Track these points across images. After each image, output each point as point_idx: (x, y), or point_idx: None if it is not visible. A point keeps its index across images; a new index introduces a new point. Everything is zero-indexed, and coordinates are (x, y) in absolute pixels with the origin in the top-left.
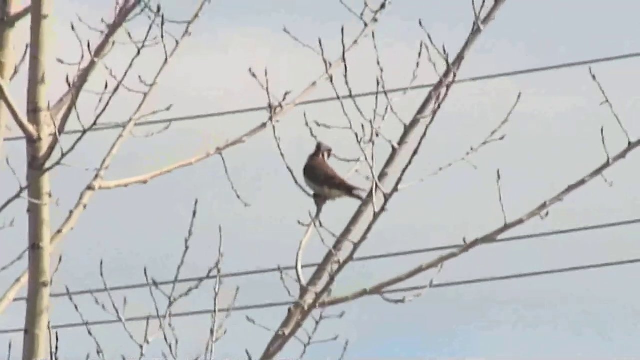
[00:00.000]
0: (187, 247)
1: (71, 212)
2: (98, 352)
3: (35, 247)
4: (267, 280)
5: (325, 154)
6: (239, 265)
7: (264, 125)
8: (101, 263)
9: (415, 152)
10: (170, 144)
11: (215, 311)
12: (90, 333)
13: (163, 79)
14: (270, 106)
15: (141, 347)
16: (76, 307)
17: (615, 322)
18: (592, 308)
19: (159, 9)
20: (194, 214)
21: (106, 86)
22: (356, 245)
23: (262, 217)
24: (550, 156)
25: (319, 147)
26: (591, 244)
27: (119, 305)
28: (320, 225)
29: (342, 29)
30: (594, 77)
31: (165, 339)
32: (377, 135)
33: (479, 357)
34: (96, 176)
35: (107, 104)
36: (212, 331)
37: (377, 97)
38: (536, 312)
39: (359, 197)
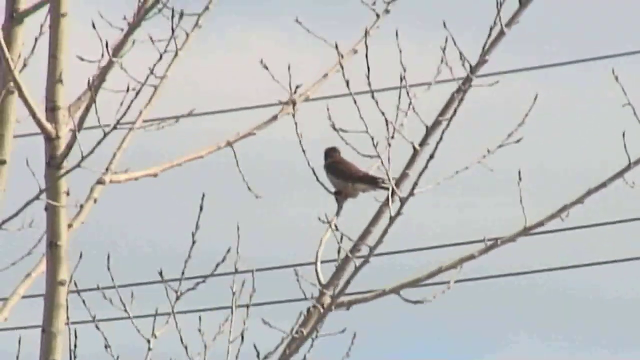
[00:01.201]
0: (194, 242)
1: (81, 207)
2: (106, 347)
3: (52, 245)
4: (282, 277)
5: (337, 153)
6: (252, 262)
7: (274, 117)
8: (108, 257)
9: (431, 157)
10: (181, 141)
11: (232, 309)
12: (98, 328)
13: (176, 75)
14: (285, 102)
15: (148, 341)
16: (84, 302)
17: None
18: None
19: (180, 13)
20: (201, 208)
21: (128, 89)
22: (372, 249)
23: (277, 214)
24: (571, 156)
25: (331, 150)
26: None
27: (126, 299)
28: (337, 228)
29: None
30: (616, 78)
31: (181, 338)
32: (399, 133)
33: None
34: (107, 170)
35: (129, 106)
36: (219, 328)
37: (400, 95)
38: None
39: (383, 188)
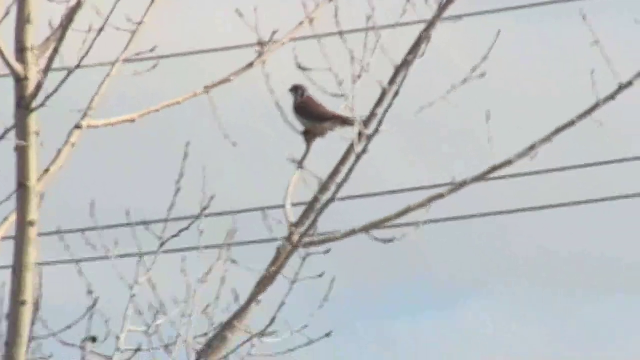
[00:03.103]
0: (178, 189)
1: (59, 151)
2: (89, 292)
3: (21, 187)
4: (257, 220)
5: (304, 92)
6: (227, 205)
7: (251, 64)
8: (92, 204)
9: (396, 94)
10: (159, 84)
11: (198, 251)
12: (81, 272)
13: (151, 18)
14: (260, 43)
15: (131, 288)
16: (67, 247)
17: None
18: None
19: None
20: (186, 155)
21: (90, 27)
22: (338, 187)
23: (250, 157)
24: (539, 97)
25: (297, 88)
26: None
27: (109, 245)
28: (302, 167)
29: None
30: (584, 17)
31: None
32: (366, 72)
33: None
34: (84, 115)
35: (92, 44)
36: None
37: (366, 35)
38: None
39: (352, 124)
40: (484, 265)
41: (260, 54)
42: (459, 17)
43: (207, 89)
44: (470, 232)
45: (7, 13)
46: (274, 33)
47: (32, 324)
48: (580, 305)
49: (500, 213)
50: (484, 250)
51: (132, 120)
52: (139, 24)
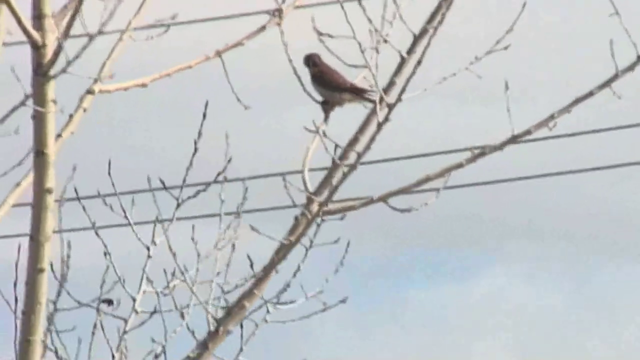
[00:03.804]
0: (196, 150)
1: (71, 116)
2: (105, 255)
3: (39, 154)
4: (274, 188)
5: (320, 60)
6: (244, 172)
7: (263, 27)
8: (109, 163)
9: (419, 63)
10: (172, 51)
11: (220, 218)
12: (97, 234)
13: None
14: (274, 11)
15: (148, 249)
16: (84, 208)
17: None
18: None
19: None
20: (204, 115)
21: None
22: (360, 155)
23: (266, 124)
24: (559, 67)
25: (309, 57)
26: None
27: (126, 207)
28: (325, 135)
29: None
30: None
31: (169, 247)
32: (385, 42)
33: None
34: (96, 80)
35: (113, 11)
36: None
37: (385, 3)
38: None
39: (370, 100)
40: (501, 232)
41: (273, 17)
42: None
43: (219, 52)
44: (489, 198)
45: None
46: None
47: (58, 294)
48: (597, 270)
49: (519, 179)
50: (500, 217)
51: (144, 85)
52: None
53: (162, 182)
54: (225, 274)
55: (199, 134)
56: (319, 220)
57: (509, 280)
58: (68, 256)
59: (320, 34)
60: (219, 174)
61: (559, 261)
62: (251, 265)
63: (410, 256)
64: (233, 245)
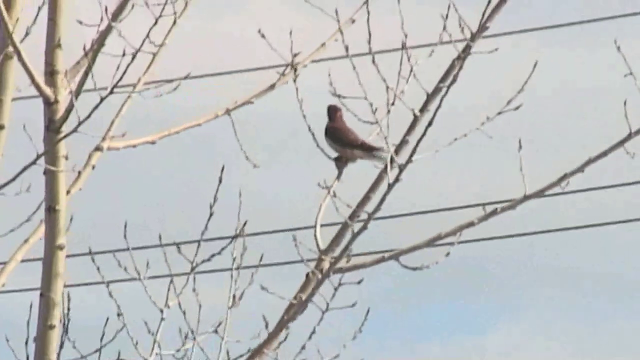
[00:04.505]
0: (211, 214)
1: (79, 173)
2: (118, 315)
3: (51, 210)
4: (284, 245)
5: (339, 115)
6: (254, 228)
7: (272, 86)
8: (125, 225)
9: (430, 124)
10: (182, 106)
11: (232, 274)
12: (111, 295)
13: (174, 41)
14: (292, 64)
15: (161, 311)
16: (98, 269)
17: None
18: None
19: None
20: (220, 180)
21: (124, 53)
22: (370, 215)
23: (276, 182)
24: (571, 127)
25: (333, 109)
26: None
27: (140, 268)
28: (334, 195)
29: None
30: (618, 48)
31: (179, 307)
32: (399, 99)
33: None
34: (104, 137)
35: (125, 71)
36: (233, 296)
37: (401, 61)
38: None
39: (381, 158)
40: (515, 288)
41: (282, 75)
42: (495, 46)
43: (229, 110)
44: (501, 253)
45: (27, 34)
46: (295, 55)
47: (61, 347)
48: (612, 326)
49: (528, 234)
50: (515, 271)
51: (153, 142)
52: (160, 46)
53: (178, 246)
54: (242, 332)
55: (215, 198)
56: (335, 281)
57: (523, 337)
58: (68, 309)
59: (331, 93)
60: (234, 237)
61: (574, 313)
62: (266, 326)
63: (424, 310)
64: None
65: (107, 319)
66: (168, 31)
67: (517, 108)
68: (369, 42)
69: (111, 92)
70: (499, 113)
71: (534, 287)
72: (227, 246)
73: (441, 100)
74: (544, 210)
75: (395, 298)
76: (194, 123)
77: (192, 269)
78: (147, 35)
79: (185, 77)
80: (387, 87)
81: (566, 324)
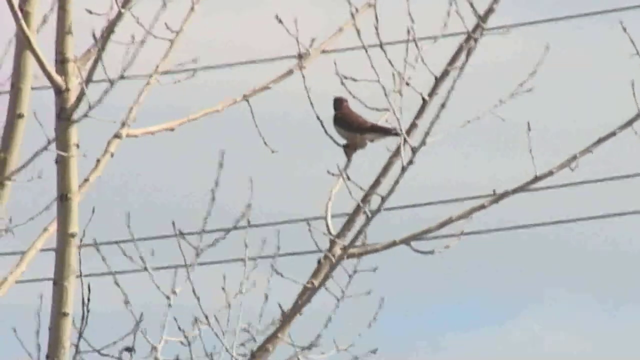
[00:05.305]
0: (213, 199)
1: (98, 161)
2: (125, 303)
3: (63, 198)
4: (296, 231)
5: (345, 105)
6: (267, 215)
7: (290, 72)
8: (128, 215)
9: (443, 106)
10: (198, 95)
11: (245, 263)
12: (117, 284)
13: (191, 29)
14: (300, 55)
15: (168, 298)
16: (103, 259)
17: None
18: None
19: None
20: (220, 165)
21: (133, 38)
22: (384, 199)
23: (290, 167)
24: (582, 107)
25: (339, 101)
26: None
27: (145, 256)
28: (348, 178)
29: None
30: (624, 29)
31: (194, 291)
32: (408, 85)
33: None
34: (123, 124)
35: (135, 55)
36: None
37: (407, 47)
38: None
39: (394, 134)
40: (536, 277)
41: (300, 61)
42: (505, 29)
43: (246, 96)
44: (516, 243)
45: (44, 22)
46: (313, 40)
47: (79, 338)
48: (633, 315)
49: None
50: (535, 261)
51: (172, 129)
52: (178, 32)
53: (181, 232)
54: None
55: (216, 183)
56: (349, 268)
57: (546, 327)
58: (88, 299)
59: (343, 78)
60: (237, 222)
61: (594, 306)
62: (282, 313)
63: (445, 300)
64: (266, 296)
65: (129, 304)
66: (185, 18)
67: (529, 90)
68: (377, 29)
69: (122, 77)
70: (512, 95)
71: (557, 277)
72: (229, 231)
73: (454, 82)
74: (572, 198)
75: (414, 288)
76: (212, 109)
77: (197, 254)
78: (154, 22)
79: (204, 67)
80: (396, 73)
81: (587, 317)
